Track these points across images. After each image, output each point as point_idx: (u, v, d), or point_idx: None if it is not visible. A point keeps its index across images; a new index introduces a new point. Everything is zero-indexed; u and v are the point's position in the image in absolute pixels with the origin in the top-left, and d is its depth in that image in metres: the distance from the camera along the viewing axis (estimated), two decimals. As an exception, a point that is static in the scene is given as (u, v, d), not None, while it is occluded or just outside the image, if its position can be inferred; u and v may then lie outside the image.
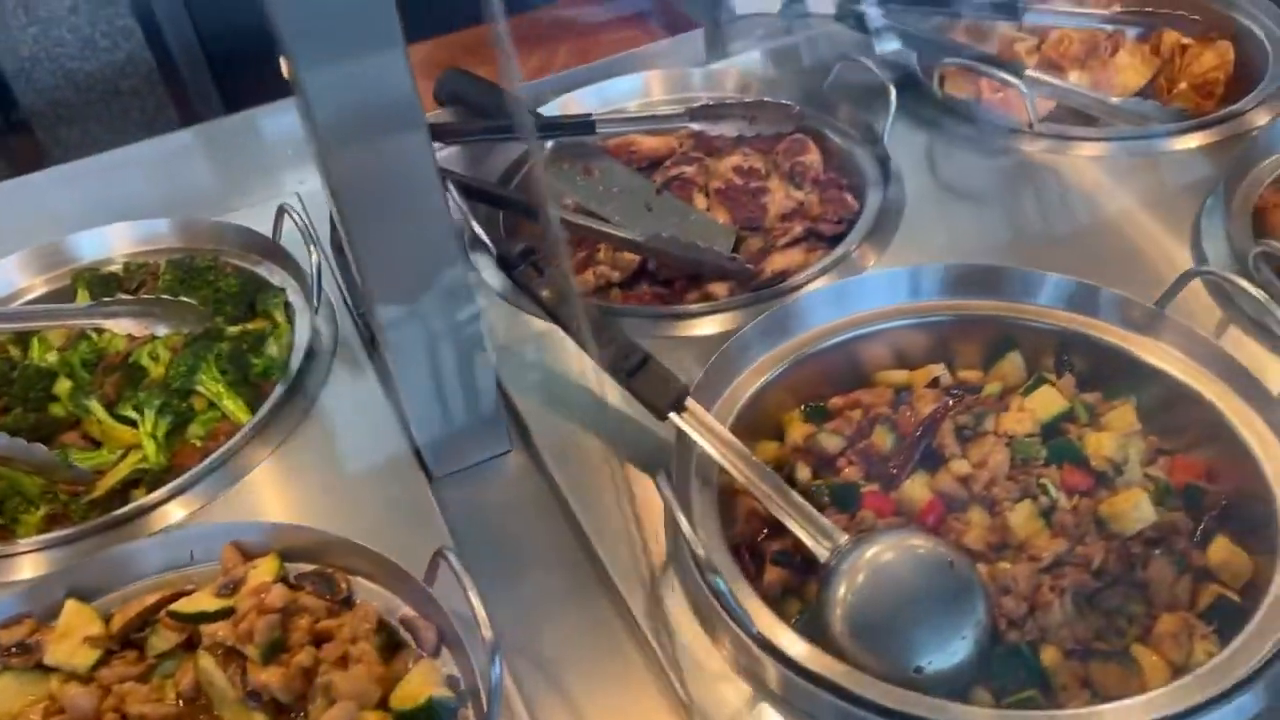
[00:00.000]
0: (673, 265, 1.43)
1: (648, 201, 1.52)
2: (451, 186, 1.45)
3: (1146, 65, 1.76)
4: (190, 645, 1.05)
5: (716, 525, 1.10)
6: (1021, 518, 1.07)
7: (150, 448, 1.26)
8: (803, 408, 1.26)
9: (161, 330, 1.37)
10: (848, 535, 1.05)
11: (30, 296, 1.49)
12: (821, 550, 1.04)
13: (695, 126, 1.58)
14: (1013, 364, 1.25)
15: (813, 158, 1.54)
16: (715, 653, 1.03)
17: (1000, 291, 1.27)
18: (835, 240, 1.47)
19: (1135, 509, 1.06)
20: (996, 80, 1.64)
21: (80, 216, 1.58)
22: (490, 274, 1.44)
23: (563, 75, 1.74)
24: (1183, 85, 1.74)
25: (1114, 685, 0.98)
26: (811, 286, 1.36)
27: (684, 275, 1.44)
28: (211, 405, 1.31)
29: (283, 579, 1.08)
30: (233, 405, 1.30)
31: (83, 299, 1.45)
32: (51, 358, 1.36)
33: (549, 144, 1.59)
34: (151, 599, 1.07)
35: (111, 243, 1.52)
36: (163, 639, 1.06)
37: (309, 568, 1.10)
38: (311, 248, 1.38)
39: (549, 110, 1.66)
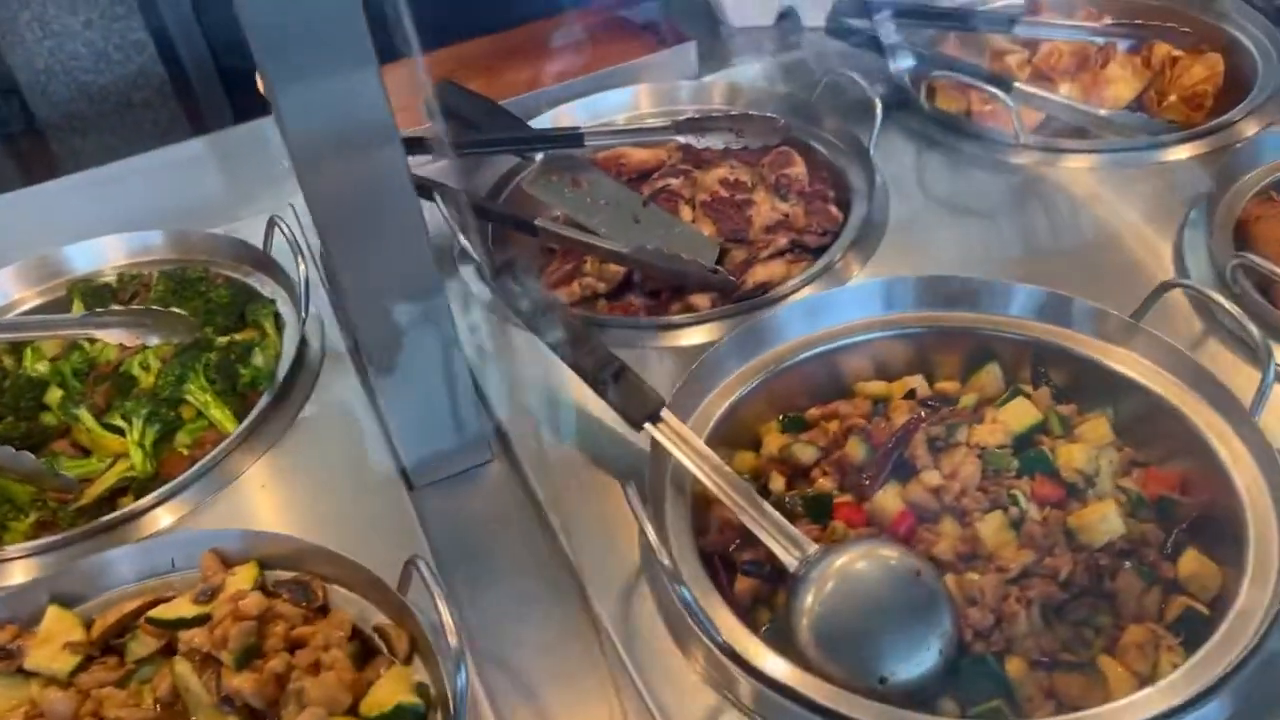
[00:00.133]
0: (657, 277, 1.44)
1: (635, 213, 1.53)
2: (439, 199, 1.47)
3: (1137, 78, 1.76)
4: (169, 651, 1.07)
5: (689, 535, 1.11)
6: (991, 529, 1.07)
7: (137, 456, 1.28)
8: (780, 419, 1.26)
9: (153, 340, 1.39)
10: (817, 545, 1.06)
11: (26, 307, 1.52)
12: (791, 560, 1.05)
13: (682, 139, 1.59)
14: (991, 376, 1.26)
15: (798, 170, 1.55)
16: (684, 662, 1.04)
17: (974, 304, 1.27)
18: (820, 252, 1.48)
19: (1103, 521, 1.06)
20: (984, 93, 1.64)
21: (85, 226, 1.61)
22: (477, 285, 1.46)
23: (555, 89, 1.76)
24: (1173, 97, 1.74)
25: (1078, 696, 0.99)
26: (793, 298, 1.37)
27: (669, 287, 1.45)
28: (199, 414, 1.33)
29: (261, 586, 1.10)
30: (220, 414, 1.32)
31: (78, 309, 1.48)
32: (43, 367, 1.38)
33: (539, 156, 1.60)
34: (131, 605, 1.09)
35: (106, 254, 1.55)
36: (142, 645, 1.07)
37: (287, 575, 1.12)
38: (300, 260, 1.40)
39: (540, 123, 1.68)
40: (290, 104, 0.96)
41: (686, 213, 1.53)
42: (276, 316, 1.45)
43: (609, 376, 1.17)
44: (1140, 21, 1.83)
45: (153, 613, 1.07)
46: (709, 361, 1.24)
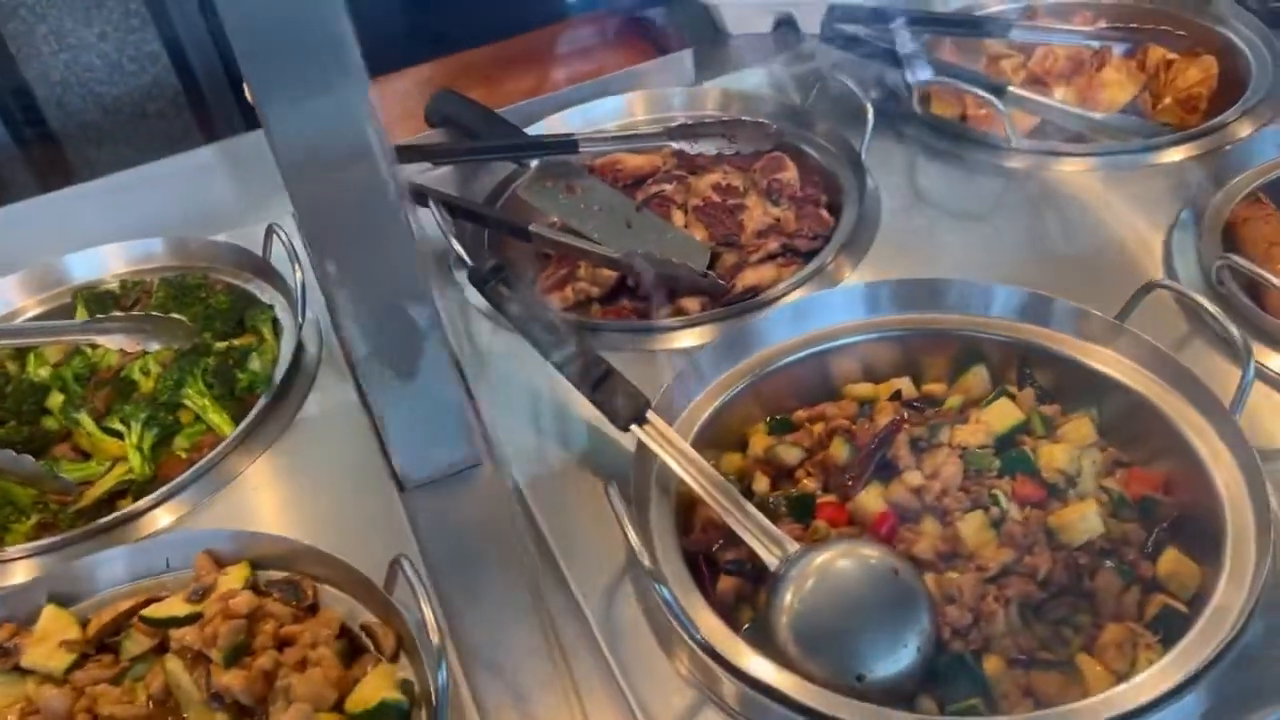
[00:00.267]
0: (650, 281, 1.45)
1: (628, 219, 1.55)
2: (434, 205, 1.49)
3: (1132, 81, 1.77)
4: (162, 649, 1.09)
5: (673, 535, 1.13)
6: (972, 528, 1.08)
7: (136, 459, 1.30)
8: (767, 420, 1.28)
9: (153, 346, 1.41)
10: (798, 544, 1.07)
11: (30, 314, 1.54)
12: (772, 559, 1.06)
13: (675, 145, 1.61)
14: (977, 377, 1.27)
15: (790, 175, 1.56)
16: (666, 661, 1.05)
17: (958, 306, 1.29)
18: (811, 256, 1.49)
19: (1082, 520, 1.07)
20: (977, 97, 1.65)
21: (95, 233, 1.64)
22: (471, 290, 1.48)
23: (551, 96, 1.78)
24: (1168, 100, 1.75)
25: (1056, 694, 1.00)
26: (782, 301, 1.38)
27: (660, 291, 1.46)
28: (197, 418, 1.36)
29: (252, 586, 1.12)
30: (218, 418, 1.35)
31: (81, 316, 1.51)
32: (44, 372, 1.41)
33: (534, 163, 1.62)
34: (126, 605, 1.11)
35: (108, 262, 1.57)
36: (136, 643, 1.10)
37: (279, 575, 1.14)
38: (296, 266, 1.43)
39: (536, 130, 1.70)
40: (278, 121, 0.98)
41: (679, 218, 1.55)
42: (275, 322, 1.47)
43: (595, 379, 1.19)
44: (1135, 25, 1.84)
45: (146, 611, 1.09)
46: (695, 364, 1.26)
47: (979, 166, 1.63)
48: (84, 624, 1.11)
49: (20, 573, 1.21)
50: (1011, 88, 1.69)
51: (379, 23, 2.09)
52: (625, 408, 1.17)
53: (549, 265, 1.58)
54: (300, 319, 1.42)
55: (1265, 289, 1.28)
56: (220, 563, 1.15)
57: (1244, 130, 1.58)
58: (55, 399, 1.37)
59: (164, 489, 1.25)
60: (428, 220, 1.52)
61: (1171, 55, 1.77)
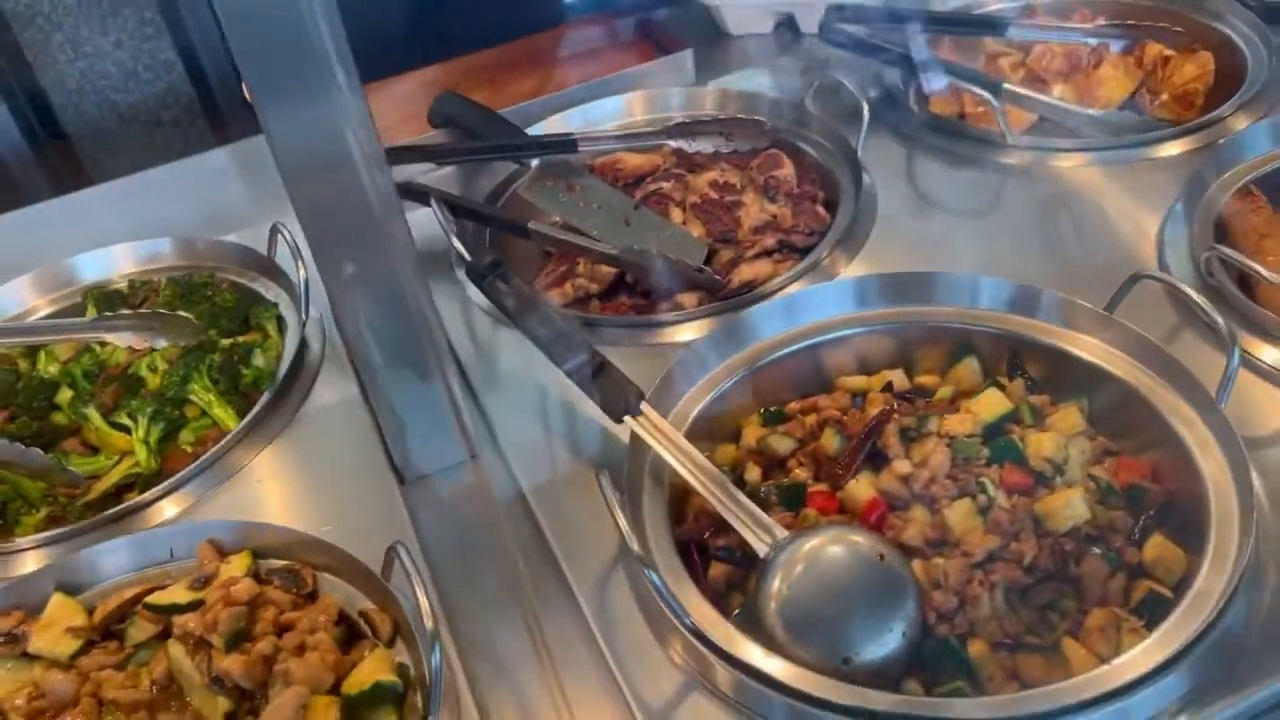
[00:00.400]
0: (646, 276, 1.48)
1: (626, 216, 1.57)
2: (436, 204, 1.52)
3: (1130, 78, 1.78)
4: (167, 636, 1.11)
5: (666, 523, 1.15)
6: (959, 515, 1.10)
7: (142, 453, 1.33)
8: (761, 412, 1.29)
9: (160, 343, 1.44)
10: (787, 531, 1.08)
11: (41, 314, 1.58)
12: (761, 545, 1.08)
13: (673, 144, 1.63)
14: (968, 369, 1.28)
15: (786, 172, 1.58)
16: (657, 646, 1.07)
17: (944, 298, 1.30)
18: (807, 252, 1.51)
19: (1068, 507, 1.08)
20: (973, 95, 1.67)
21: (108, 234, 1.68)
22: (471, 286, 1.50)
23: (552, 97, 1.80)
24: (1165, 96, 1.76)
25: (1040, 677, 1.01)
26: (775, 296, 1.40)
27: (659, 286, 1.48)
28: (203, 413, 1.38)
29: (254, 574, 1.14)
30: (222, 413, 1.37)
31: (91, 314, 1.54)
32: (54, 369, 1.44)
33: (534, 162, 1.65)
34: (131, 592, 1.14)
35: (117, 263, 1.61)
36: (140, 630, 1.12)
37: (280, 563, 1.17)
38: (300, 264, 1.45)
39: (537, 130, 1.72)
40: (276, 124, 1.01)
41: (677, 215, 1.57)
42: (279, 319, 1.50)
43: (590, 371, 1.21)
44: (1133, 22, 1.85)
45: (149, 598, 1.12)
46: (690, 357, 1.28)
47: (975, 163, 1.64)
48: (90, 611, 1.14)
49: (30, 563, 1.23)
50: (1008, 85, 1.70)
51: (385, 26, 2.13)
52: (619, 399, 1.19)
53: (549, 263, 1.60)
54: (304, 316, 1.44)
55: (1256, 281, 1.29)
56: (223, 552, 1.18)
57: (1239, 124, 1.59)
58: (64, 395, 1.40)
59: (169, 481, 1.28)
60: (430, 219, 1.55)
61: (1168, 52, 1.79)
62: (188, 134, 3.30)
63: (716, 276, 1.45)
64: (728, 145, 1.62)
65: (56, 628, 1.11)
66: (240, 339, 1.47)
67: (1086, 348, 1.23)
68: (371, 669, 1.03)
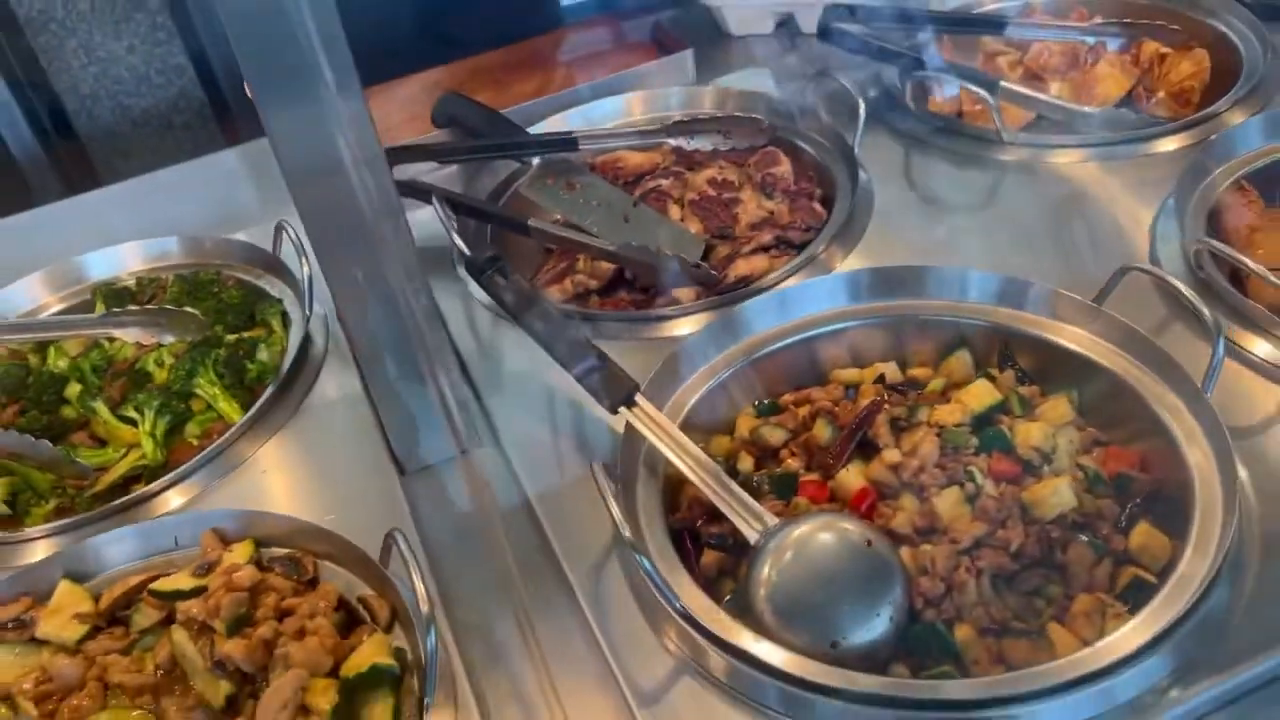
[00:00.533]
0: (644, 273, 1.50)
1: (625, 213, 1.59)
2: (437, 202, 1.54)
3: (1127, 75, 1.79)
4: (170, 622, 1.14)
5: (660, 513, 1.17)
6: (947, 503, 1.11)
7: (149, 445, 1.35)
8: (755, 404, 1.31)
9: (167, 339, 1.48)
10: (778, 519, 1.10)
11: (52, 310, 1.61)
12: (752, 533, 1.10)
13: (672, 142, 1.65)
14: (960, 361, 1.30)
15: (783, 169, 1.60)
16: (649, 630, 1.08)
17: (934, 291, 1.32)
18: (804, 248, 1.53)
19: (1054, 495, 1.10)
20: (969, 93, 1.68)
21: (119, 233, 1.71)
22: (473, 282, 1.52)
23: (554, 97, 1.83)
24: (1161, 94, 1.77)
25: (1025, 661, 1.02)
26: (769, 291, 1.42)
27: (656, 281, 1.50)
28: (208, 407, 1.41)
29: (256, 561, 1.17)
30: (227, 406, 1.40)
31: (100, 311, 1.57)
32: (63, 364, 1.47)
33: (536, 161, 1.67)
34: (136, 580, 1.17)
35: (125, 260, 1.64)
36: (145, 616, 1.15)
37: (282, 551, 1.19)
38: (303, 261, 1.48)
39: (539, 130, 1.75)
40: (278, 125, 1.04)
41: (675, 211, 1.59)
42: (284, 315, 1.53)
43: (587, 364, 1.23)
44: (1130, 20, 1.86)
45: (153, 585, 1.14)
46: (684, 351, 1.30)
47: (971, 160, 1.66)
48: (96, 598, 1.17)
49: (39, 551, 1.26)
50: (1005, 83, 1.71)
51: (391, 29, 2.16)
52: (614, 391, 1.21)
53: (550, 259, 1.62)
54: (308, 312, 1.47)
55: (1247, 274, 1.30)
56: (226, 540, 1.20)
57: (1234, 120, 1.60)
58: (73, 389, 1.43)
59: (175, 473, 1.30)
60: (433, 217, 1.57)
61: (1165, 49, 1.80)
62: (199, 137, 3.34)
63: (713, 272, 1.47)
64: (726, 143, 1.64)
65: (64, 614, 1.14)
66: (245, 334, 1.50)
67: (1075, 339, 1.24)
68: (369, 652, 1.05)
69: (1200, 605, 0.98)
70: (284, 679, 1.02)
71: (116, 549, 1.21)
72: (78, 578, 1.19)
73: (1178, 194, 1.44)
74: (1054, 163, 1.62)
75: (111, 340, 1.51)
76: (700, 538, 1.17)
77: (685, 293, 1.47)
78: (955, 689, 0.99)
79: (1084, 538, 1.10)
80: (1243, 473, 1.12)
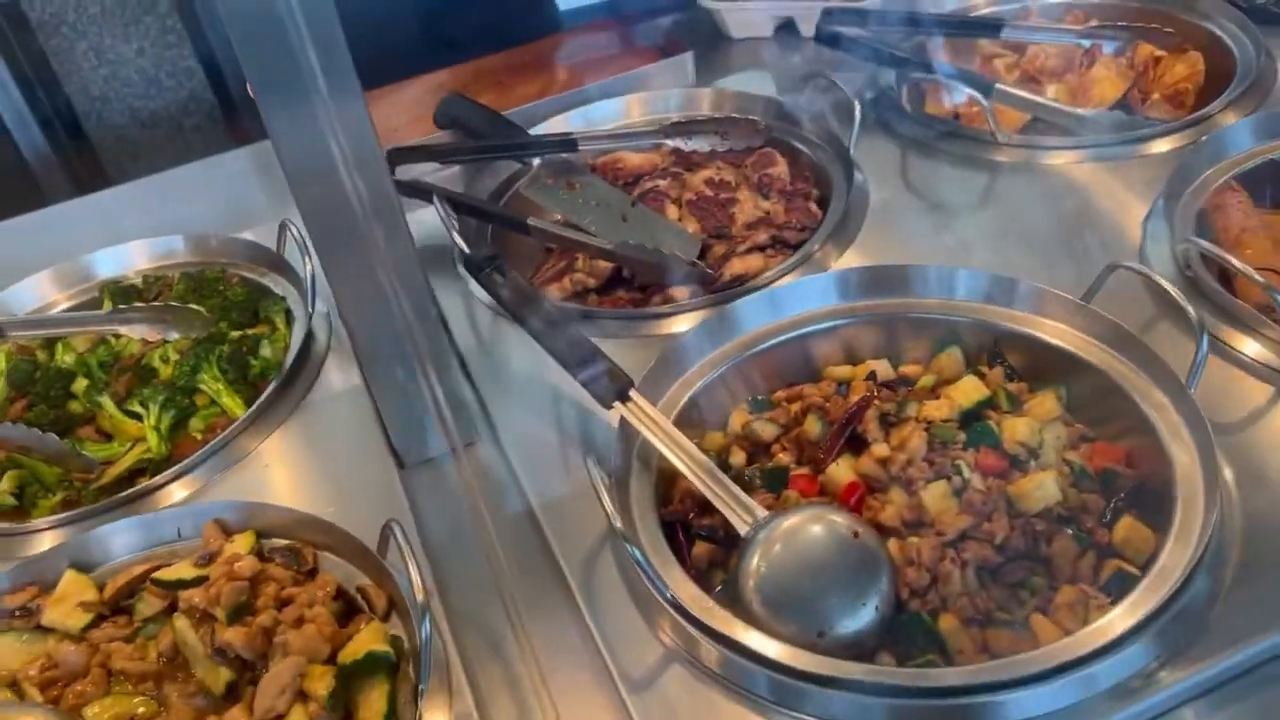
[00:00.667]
0: (641, 271, 1.52)
1: (624, 213, 1.62)
2: (438, 201, 1.57)
3: (1122, 78, 1.81)
4: (173, 610, 1.16)
5: (653, 506, 1.19)
6: (934, 496, 1.13)
7: (153, 439, 1.38)
8: (749, 400, 1.33)
9: (172, 335, 1.51)
10: (767, 511, 1.12)
11: (61, 308, 1.64)
12: (742, 525, 1.12)
13: (670, 143, 1.67)
14: (951, 358, 1.32)
15: (780, 170, 1.63)
16: (640, 621, 1.10)
17: (923, 289, 1.34)
18: (799, 248, 1.55)
19: (1039, 489, 1.12)
20: (965, 94, 1.70)
21: (127, 232, 1.74)
22: (475, 282, 1.55)
23: (555, 99, 1.85)
24: (1156, 96, 1.79)
25: (1009, 651, 1.04)
26: (762, 290, 1.44)
27: (653, 280, 1.53)
28: (212, 402, 1.44)
29: (257, 552, 1.19)
30: (231, 402, 1.43)
31: (107, 308, 1.60)
32: (70, 359, 1.50)
33: (536, 161, 1.70)
34: (140, 569, 1.19)
35: (132, 259, 1.67)
36: (148, 605, 1.17)
37: (282, 542, 1.21)
38: (306, 259, 1.51)
39: (539, 131, 1.77)
40: (278, 126, 1.06)
41: (673, 211, 1.61)
42: (287, 312, 1.55)
43: (581, 359, 1.25)
44: (1125, 24, 1.88)
45: (156, 574, 1.17)
46: (679, 347, 1.32)
47: (967, 161, 1.68)
48: (101, 587, 1.19)
49: (46, 542, 1.29)
50: (1000, 85, 1.73)
51: (395, 31, 2.19)
52: (609, 387, 1.23)
53: (549, 258, 1.65)
54: (310, 309, 1.50)
55: (1235, 274, 1.32)
56: (228, 531, 1.23)
57: (1227, 122, 1.62)
58: (80, 384, 1.46)
59: (179, 466, 1.33)
60: (434, 216, 1.60)
61: (1160, 52, 1.82)
62: (208, 139, 3.37)
63: (709, 270, 1.49)
64: (723, 144, 1.66)
65: (69, 602, 1.17)
66: (249, 331, 1.52)
67: (1063, 336, 1.26)
68: (366, 640, 1.07)
69: (1180, 595, 1.00)
70: (282, 665, 1.04)
71: (121, 540, 1.23)
72: (83, 567, 1.21)
73: (1168, 194, 1.46)
74: (1049, 164, 1.64)
75: (118, 337, 1.53)
76: (691, 530, 1.19)
77: (681, 291, 1.49)
78: (940, 676, 1.00)
79: (1069, 531, 1.12)
80: (1226, 469, 1.14)
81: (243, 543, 1.20)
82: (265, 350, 1.47)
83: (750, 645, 1.01)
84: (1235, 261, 1.24)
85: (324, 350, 1.50)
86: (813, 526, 1.10)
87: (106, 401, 1.42)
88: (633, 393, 1.22)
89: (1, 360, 1.52)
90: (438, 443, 1.34)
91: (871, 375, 1.30)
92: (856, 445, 1.22)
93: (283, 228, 1.59)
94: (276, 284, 1.60)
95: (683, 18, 2.18)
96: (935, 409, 1.21)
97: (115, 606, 1.18)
